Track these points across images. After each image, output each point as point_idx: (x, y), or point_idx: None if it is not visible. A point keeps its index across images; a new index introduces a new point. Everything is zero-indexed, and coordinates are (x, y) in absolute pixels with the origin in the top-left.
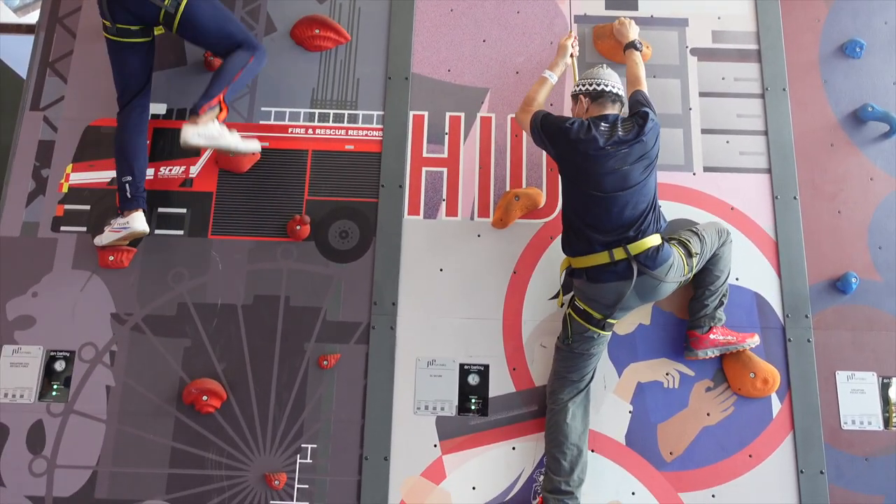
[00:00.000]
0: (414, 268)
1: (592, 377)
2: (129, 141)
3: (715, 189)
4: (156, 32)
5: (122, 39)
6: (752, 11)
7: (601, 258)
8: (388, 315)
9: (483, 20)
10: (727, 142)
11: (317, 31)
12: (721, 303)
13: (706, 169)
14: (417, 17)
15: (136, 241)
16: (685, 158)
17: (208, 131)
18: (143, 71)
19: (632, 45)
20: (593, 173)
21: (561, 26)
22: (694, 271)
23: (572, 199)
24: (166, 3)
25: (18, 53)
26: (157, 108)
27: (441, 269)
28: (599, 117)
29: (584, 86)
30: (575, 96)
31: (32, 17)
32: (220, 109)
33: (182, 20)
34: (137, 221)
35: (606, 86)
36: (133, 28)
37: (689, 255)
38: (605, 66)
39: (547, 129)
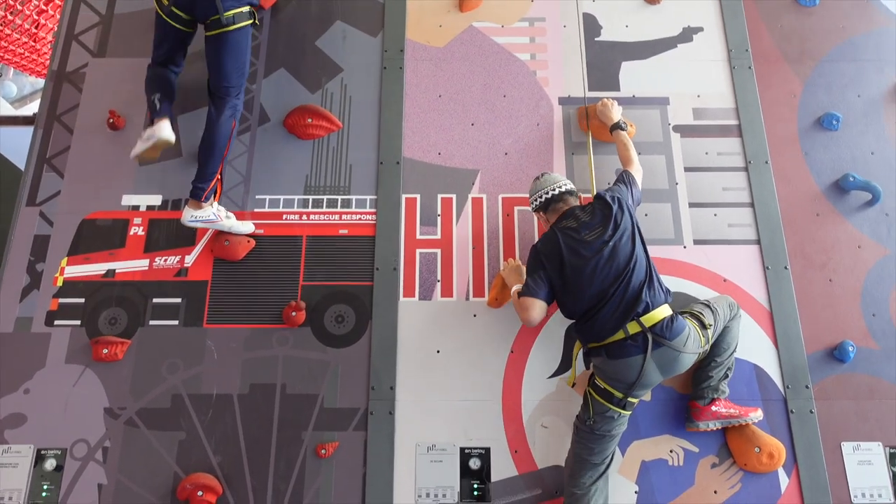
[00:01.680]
0: (411, 350)
1: (611, 459)
2: (160, 76)
3: (706, 261)
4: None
5: (169, 21)
6: (730, 89)
7: (616, 336)
8: (387, 400)
9: (471, 105)
10: (715, 214)
11: (309, 119)
12: (726, 375)
13: (696, 242)
14: (407, 104)
15: (133, 317)
16: (675, 232)
17: (205, 215)
18: (180, 49)
19: (617, 126)
20: (581, 265)
21: (546, 108)
22: (710, 342)
23: (573, 299)
24: (226, 14)
25: (14, 144)
26: (153, 199)
27: (438, 351)
28: (559, 219)
29: (533, 203)
30: (535, 213)
31: (29, 109)
32: (216, 191)
33: (220, 36)
34: (164, 130)
35: (546, 193)
36: (183, 17)
37: (703, 326)
38: (540, 175)
39: (535, 267)
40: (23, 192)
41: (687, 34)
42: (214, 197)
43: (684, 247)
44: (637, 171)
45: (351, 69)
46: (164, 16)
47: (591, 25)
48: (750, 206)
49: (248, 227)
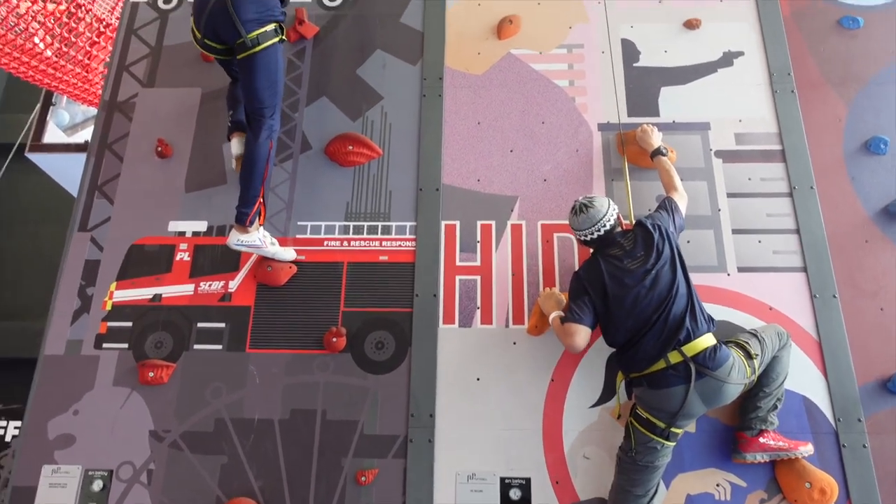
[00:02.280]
0: (450, 378)
1: (656, 492)
2: (233, 92)
3: (751, 289)
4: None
5: (209, 54)
6: (773, 113)
7: (658, 366)
8: (426, 427)
9: (509, 131)
10: (759, 241)
11: (350, 147)
12: (775, 406)
13: (740, 269)
14: (446, 131)
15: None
16: (718, 259)
17: (251, 240)
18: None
19: (658, 152)
20: (623, 294)
21: (585, 134)
22: (757, 373)
23: (614, 327)
24: (249, 36)
25: (65, 170)
26: (198, 226)
27: (478, 379)
28: (601, 246)
29: (579, 237)
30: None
31: (80, 136)
32: (260, 214)
33: (249, 58)
34: (235, 146)
35: (592, 234)
36: (217, 46)
37: (749, 356)
38: (585, 208)
39: (579, 293)
40: (75, 218)
41: (727, 59)
42: (259, 220)
43: (728, 274)
44: (681, 198)
45: (391, 97)
46: (200, 47)
47: (629, 51)
48: (795, 233)
49: (290, 254)
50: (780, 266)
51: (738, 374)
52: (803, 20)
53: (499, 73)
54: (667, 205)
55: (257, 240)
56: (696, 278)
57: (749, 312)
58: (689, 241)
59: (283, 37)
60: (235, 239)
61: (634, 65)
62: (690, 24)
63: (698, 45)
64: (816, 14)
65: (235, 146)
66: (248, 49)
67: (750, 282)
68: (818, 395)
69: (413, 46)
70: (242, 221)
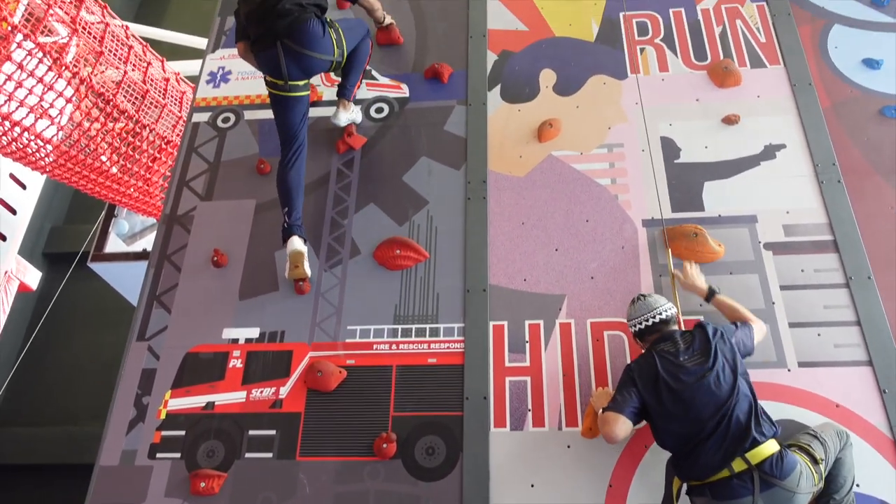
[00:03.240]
0: (504, 484)
1: None
2: (289, 182)
3: (815, 385)
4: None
5: (289, 94)
6: (821, 204)
7: (721, 475)
8: None
9: (554, 230)
10: (818, 335)
11: (398, 251)
12: None
13: (801, 364)
14: (491, 232)
15: (230, 450)
16: (777, 354)
17: (350, 114)
18: (302, 121)
19: (711, 293)
20: (680, 389)
21: (630, 231)
22: (823, 479)
23: (669, 427)
24: (335, 57)
25: (123, 278)
26: (251, 332)
27: (532, 485)
28: (656, 341)
29: (633, 328)
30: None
31: (139, 245)
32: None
33: (345, 61)
34: (294, 244)
35: (640, 324)
36: (300, 83)
37: (815, 461)
38: (638, 297)
39: (626, 383)
40: (134, 328)
41: (769, 151)
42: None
43: (788, 370)
44: (757, 331)
45: (436, 201)
46: (284, 93)
47: (669, 148)
48: (856, 325)
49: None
50: (843, 360)
51: (806, 483)
52: (844, 111)
53: (541, 175)
54: (737, 324)
55: (356, 115)
56: (754, 375)
57: (814, 410)
58: None
59: (337, 24)
60: (343, 115)
61: (675, 161)
62: (729, 120)
63: (739, 139)
64: (857, 104)
65: (297, 243)
66: (342, 60)
67: (813, 377)
68: None
69: (457, 152)
70: (347, 95)
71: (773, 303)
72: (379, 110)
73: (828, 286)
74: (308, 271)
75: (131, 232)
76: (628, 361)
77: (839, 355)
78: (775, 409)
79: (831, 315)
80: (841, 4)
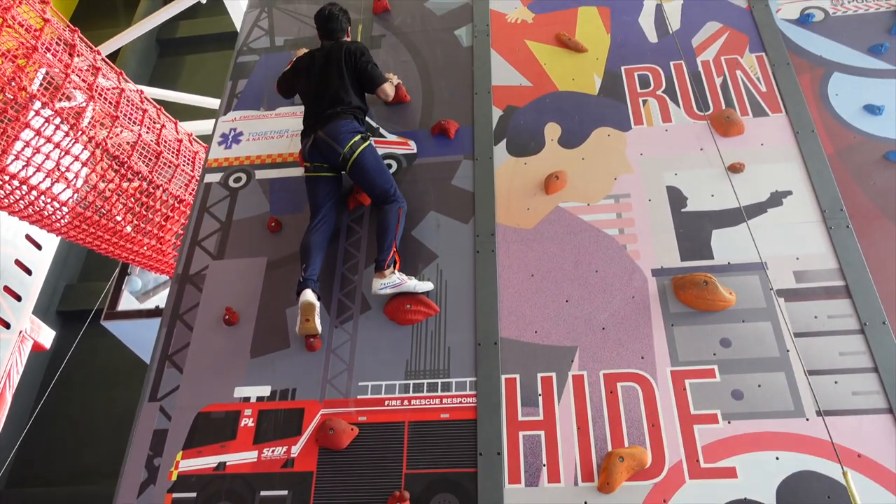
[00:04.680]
0: None
1: None
2: (311, 243)
3: (835, 435)
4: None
5: (316, 175)
6: (830, 249)
7: None
8: None
9: (563, 281)
10: (836, 382)
11: (408, 306)
12: None
13: (819, 413)
14: (501, 285)
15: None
16: (794, 403)
17: (391, 281)
18: (329, 195)
19: None
20: None
21: (640, 281)
22: None
23: None
24: (345, 150)
25: (135, 334)
26: (262, 390)
27: None
28: None
29: None
30: None
31: (152, 302)
32: (396, 261)
33: (353, 165)
34: (306, 296)
35: None
36: (324, 166)
37: None
38: None
39: None
40: (146, 388)
41: (776, 198)
42: (395, 266)
43: (807, 419)
44: None
45: (445, 255)
46: (311, 174)
47: (676, 197)
48: (874, 371)
49: (428, 285)
50: (862, 408)
51: None
52: (848, 157)
53: (549, 226)
54: None
55: (396, 279)
56: (770, 425)
57: (835, 460)
58: (759, 385)
59: (370, 140)
60: (379, 284)
61: (682, 210)
62: (734, 168)
63: (745, 187)
64: (861, 150)
65: (309, 295)
66: (350, 158)
67: (833, 427)
68: None
69: (465, 206)
70: (382, 267)
71: (788, 350)
72: (388, 167)
73: (842, 332)
74: (319, 327)
75: (144, 289)
76: (642, 413)
77: (858, 403)
78: (795, 461)
79: (848, 362)
80: (839, 53)
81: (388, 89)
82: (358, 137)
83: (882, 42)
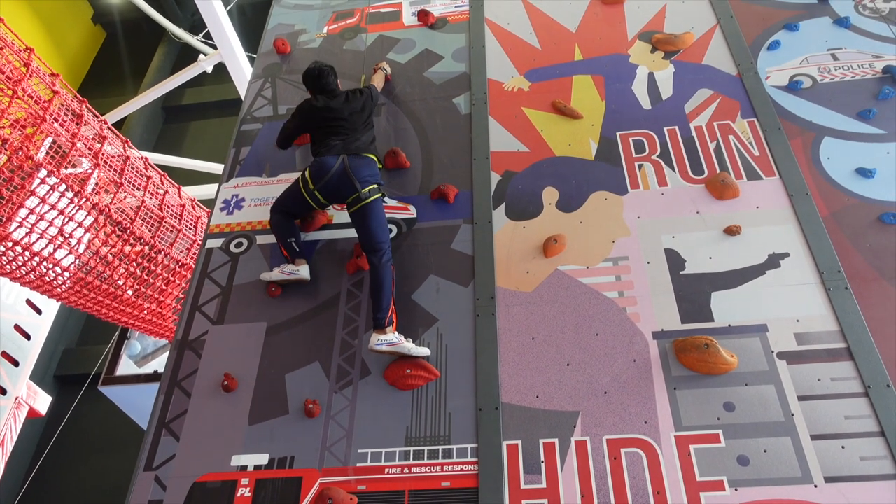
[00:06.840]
0: None
1: None
2: (288, 224)
3: (844, 502)
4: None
5: (309, 200)
6: (830, 311)
7: None
8: None
9: (564, 345)
10: (843, 447)
11: (408, 370)
12: None
13: (828, 479)
14: (501, 349)
15: None
16: (801, 469)
17: (389, 339)
18: (302, 212)
19: None
20: None
21: (641, 344)
22: None
23: None
24: (364, 191)
25: (132, 399)
26: (260, 459)
27: None
28: None
29: None
30: None
31: (150, 367)
32: (393, 321)
33: (363, 208)
34: (305, 271)
35: None
36: (322, 200)
37: None
38: None
39: None
40: (141, 457)
41: (773, 260)
42: (393, 325)
43: (815, 486)
44: None
45: (445, 319)
46: (306, 195)
47: (674, 260)
48: (881, 436)
49: (424, 351)
50: (871, 474)
51: None
52: (843, 219)
53: (549, 290)
54: None
55: (394, 337)
56: (778, 492)
57: None
58: (765, 451)
59: (383, 194)
60: (376, 340)
61: (681, 272)
62: (731, 231)
63: (742, 249)
64: (855, 212)
65: (306, 271)
66: (363, 201)
67: (842, 494)
68: None
69: (464, 270)
70: (382, 325)
71: (793, 414)
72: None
73: (846, 395)
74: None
75: (143, 353)
76: (647, 481)
77: (866, 469)
78: None
79: (853, 426)
80: (828, 118)
81: (378, 82)
82: (376, 186)
83: (870, 107)
